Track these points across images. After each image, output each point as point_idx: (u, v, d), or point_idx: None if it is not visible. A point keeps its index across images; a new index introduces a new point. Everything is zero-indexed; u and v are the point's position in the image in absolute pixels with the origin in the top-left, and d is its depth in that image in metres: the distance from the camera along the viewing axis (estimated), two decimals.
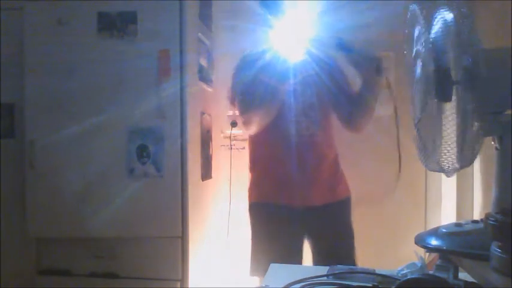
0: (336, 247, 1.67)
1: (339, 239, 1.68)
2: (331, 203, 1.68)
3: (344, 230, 1.72)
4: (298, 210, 1.64)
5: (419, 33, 0.89)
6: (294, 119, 1.64)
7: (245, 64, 1.64)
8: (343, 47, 1.52)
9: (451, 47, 0.84)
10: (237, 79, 1.67)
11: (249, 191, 1.78)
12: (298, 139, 1.64)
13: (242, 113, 1.66)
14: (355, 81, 1.64)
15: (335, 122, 1.76)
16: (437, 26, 0.87)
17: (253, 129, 1.66)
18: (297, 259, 1.67)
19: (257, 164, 1.76)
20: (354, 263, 1.66)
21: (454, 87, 0.83)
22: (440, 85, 0.83)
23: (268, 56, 1.55)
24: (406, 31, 0.94)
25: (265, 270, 1.61)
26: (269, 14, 1.57)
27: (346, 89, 1.69)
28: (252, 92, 1.56)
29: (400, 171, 1.48)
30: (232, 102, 1.73)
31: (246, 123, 1.67)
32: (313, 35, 1.55)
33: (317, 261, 1.70)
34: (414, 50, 0.92)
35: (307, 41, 1.56)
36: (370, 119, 1.67)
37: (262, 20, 1.63)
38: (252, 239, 1.73)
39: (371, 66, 1.52)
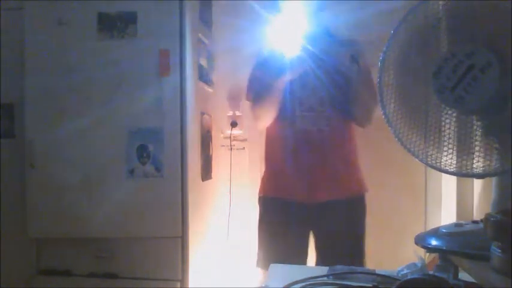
0: (341, 246, 1.64)
1: (344, 238, 1.65)
2: (340, 200, 1.65)
3: (351, 229, 1.68)
4: (305, 205, 1.63)
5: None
6: (302, 113, 1.64)
7: (262, 61, 1.68)
8: (328, 34, 1.53)
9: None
10: (254, 75, 1.71)
11: (261, 184, 1.78)
12: (306, 134, 1.63)
13: (254, 106, 1.70)
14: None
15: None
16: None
17: (263, 122, 1.70)
18: (302, 255, 1.68)
19: (268, 158, 1.77)
20: (362, 264, 1.64)
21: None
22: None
23: (274, 52, 1.58)
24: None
25: (271, 263, 1.63)
26: (269, 11, 1.59)
27: (349, 82, 1.64)
28: (263, 86, 1.60)
29: None
30: (248, 97, 1.76)
31: (258, 116, 1.71)
32: (312, 29, 1.56)
33: (319, 258, 1.70)
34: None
35: (305, 35, 1.56)
36: (368, 112, 1.61)
37: (261, 17, 1.65)
38: (259, 231, 1.73)
39: (347, 54, 1.53)
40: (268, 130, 1.74)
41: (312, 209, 1.63)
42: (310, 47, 1.55)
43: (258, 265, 1.72)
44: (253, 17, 1.73)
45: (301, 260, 1.67)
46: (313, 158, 1.63)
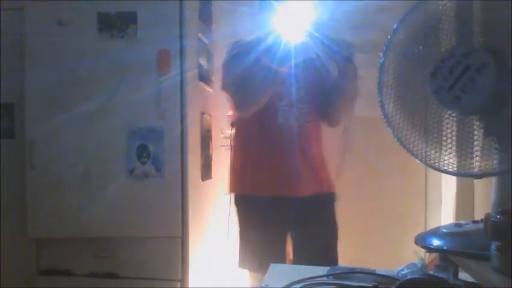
0: (318, 242, 1.65)
1: (320, 233, 1.66)
2: (315, 196, 1.66)
3: (326, 225, 1.70)
4: (282, 201, 1.62)
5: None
6: (282, 108, 1.63)
7: (235, 53, 1.62)
8: (320, 32, 1.52)
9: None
10: (227, 67, 1.65)
11: (232, 181, 1.73)
12: (287, 128, 1.62)
13: (233, 95, 1.64)
14: (331, 70, 1.61)
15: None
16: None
17: (244, 112, 1.65)
18: (281, 251, 1.66)
19: (243, 154, 1.72)
20: (335, 259, 1.65)
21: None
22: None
23: (257, 43, 1.53)
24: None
25: (253, 262, 1.61)
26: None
27: (327, 79, 1.64)
28: (243, 76, 1.55)
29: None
30: (225, 87, 1.69)
31: (237, 106, 1.66)
32: (312, 20, 1.53)
33: (297, 253, 1.69)
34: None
35: (305, 27, 1.54)
36: (345, 113, 1.69)
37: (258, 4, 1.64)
38: (239, 231, 1.71)
39: (343, 53, 1.52)
40: (243, 124, 1.69)
41: (290, 204, 1.63)
42: (303, 42, 1.53)
43: (240, 266, 1.70)
44: (253, 12, 1.72)
45: (281, 258, 1.66)
46: (294, 153, 1.63)
